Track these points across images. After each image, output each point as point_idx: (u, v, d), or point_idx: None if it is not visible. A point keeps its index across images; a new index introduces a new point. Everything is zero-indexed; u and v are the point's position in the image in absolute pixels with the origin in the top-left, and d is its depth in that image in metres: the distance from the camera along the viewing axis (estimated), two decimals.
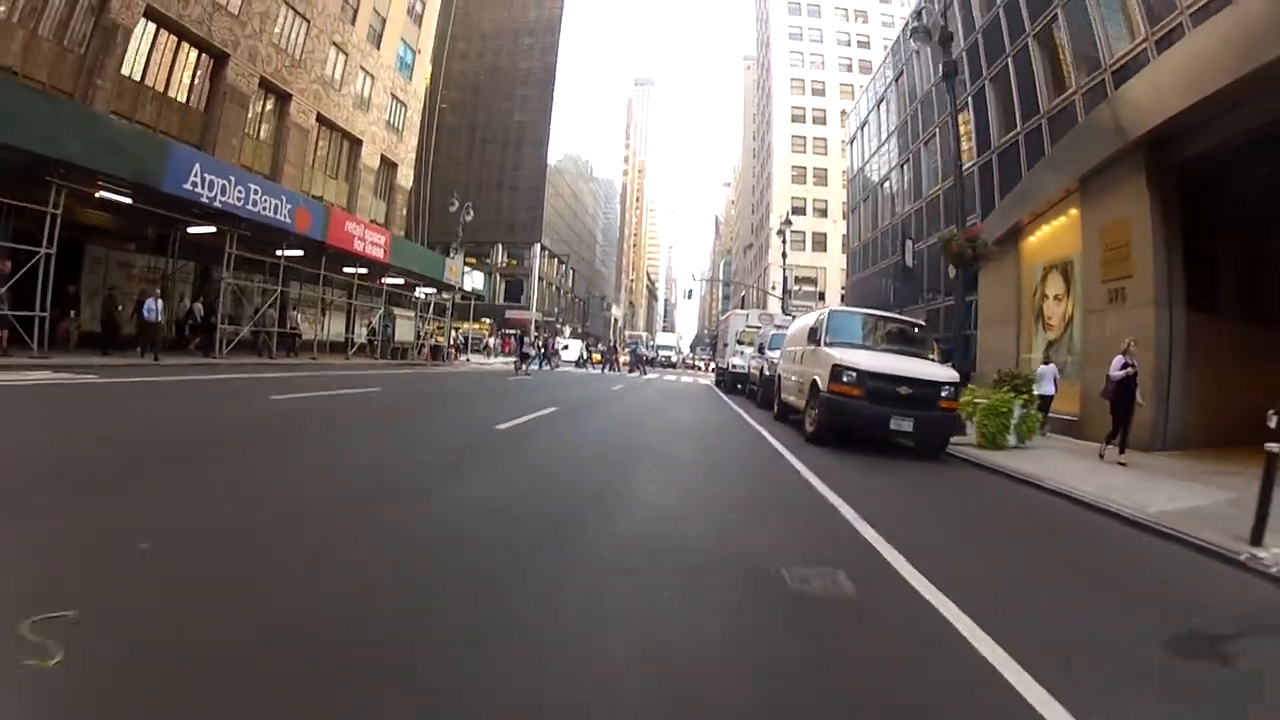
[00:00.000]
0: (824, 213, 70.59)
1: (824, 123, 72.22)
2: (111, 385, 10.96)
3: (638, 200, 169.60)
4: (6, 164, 13.85)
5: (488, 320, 62.11)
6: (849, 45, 74.22)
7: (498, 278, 67.79)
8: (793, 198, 69.94)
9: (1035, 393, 14.07)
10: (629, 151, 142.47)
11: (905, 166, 36.29)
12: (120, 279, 20.68)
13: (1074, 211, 16.71)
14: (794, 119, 73.21)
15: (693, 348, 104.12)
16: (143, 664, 2.26)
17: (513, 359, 34.76)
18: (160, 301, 17.90)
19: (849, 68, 72.72)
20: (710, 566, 4.01)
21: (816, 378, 10.36)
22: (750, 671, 2.71)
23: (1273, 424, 8.70)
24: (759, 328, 25.01)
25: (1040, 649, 3.04)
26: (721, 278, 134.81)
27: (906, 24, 37.89)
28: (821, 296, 63.56)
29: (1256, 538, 5.48)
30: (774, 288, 56.13)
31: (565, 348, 48.71)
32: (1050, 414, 15.66)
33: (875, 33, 71.76)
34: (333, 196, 30.99)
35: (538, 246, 68.86)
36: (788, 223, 39.97)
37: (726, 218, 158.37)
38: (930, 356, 11.17)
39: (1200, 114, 11.90)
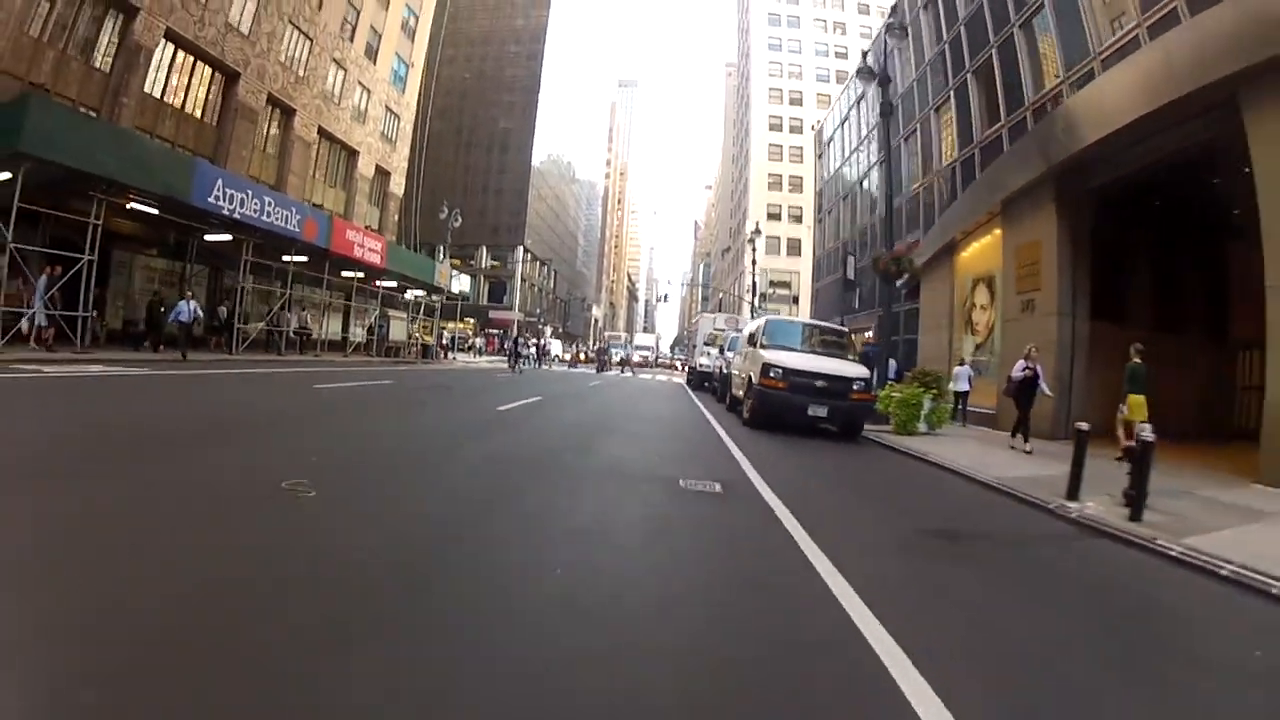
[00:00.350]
0: (799, 219, 73.22)
1: (801, 132, 74.93)
2: (171, 376, 13.22)
3: (619, 202, 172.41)
4: (51, 178, 15.97)
5: (471, 320, 64.27)
6: (827, 56, 77.06)
7: (482, 279, 69.88)
8: (768, 204, 72.73)
9: (952, 389, 16.59)
10: (611, 155, 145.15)
11: (865, 181, 38.84)
12: (142, 282, 22.88)
13: (997, 231, 19.27)
14: (771, 127, 76.00)
15: (672, 348, 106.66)
16: (341, 500, 4.64)
17: (497, 358, 37.06)
18: (194, 304, 20.06)
19: (826, 79, 75.49)
20: (641, 480, 6.64)
21: (752, 373, 12.83)
22: (655, 514, 5.16)
23: (1122, 414, 11.12)
24: (724, 330, 27.51)
25: (828, 530, 5.37)
26: (700, 280, 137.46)
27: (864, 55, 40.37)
28: (795, 300, 66.15)
29: (1071, 494, 7.66)
30: (748, 291, 58.69)
31: (545, 348, 51.03)
32: (969, 408, 18.29)
33: (853, 44, 74.14)
34: (331, 204, 33.20)
35: (521, 249, 71.18)
36: (757, 232, 42.69)
37: (706, 220, 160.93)
38: (850, 357, 13.63)
39: (1106, 148, 14.32)
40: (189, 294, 20.40)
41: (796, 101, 76.11)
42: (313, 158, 32.14)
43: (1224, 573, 4.95)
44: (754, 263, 43.59)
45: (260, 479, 4.89)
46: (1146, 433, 6.68)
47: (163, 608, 2.62)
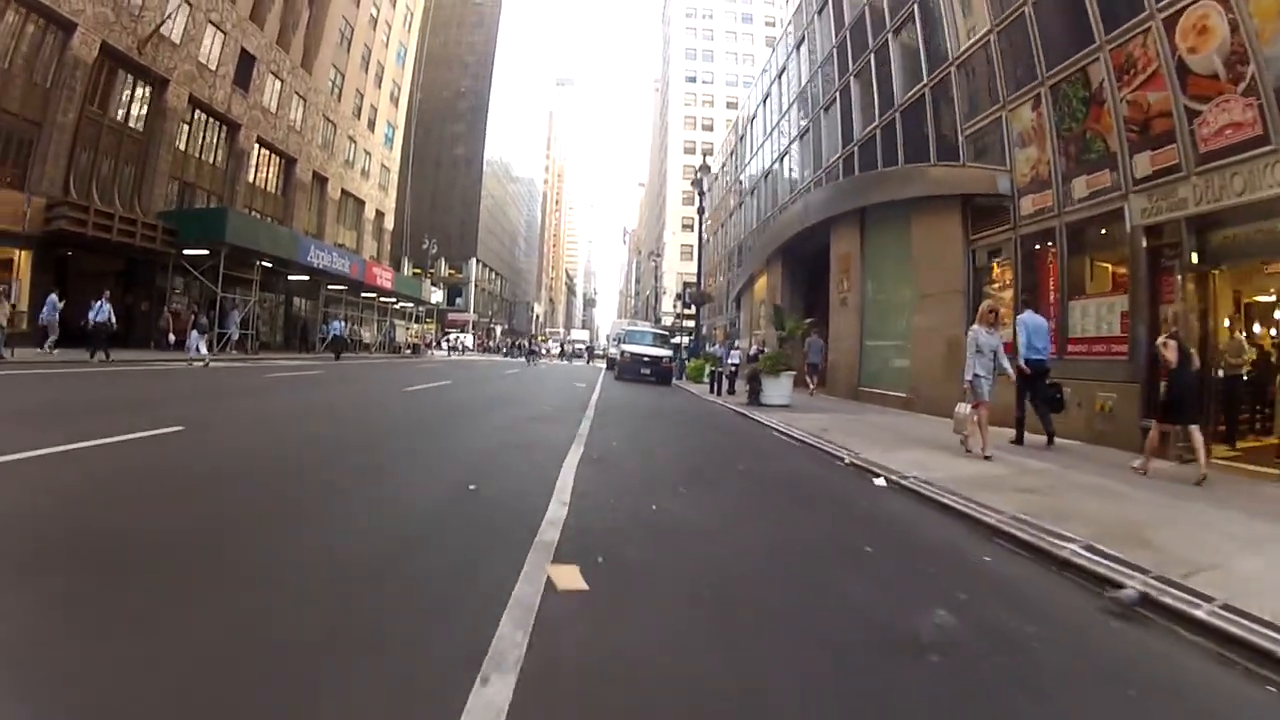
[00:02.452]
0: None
1: (712, 154, 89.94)
2: (338, 366, 27.75)
3: (557, 203, 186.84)
4: (230, 255, 29.85)
5: (430, 321, 77.88)
6: (736, 86, 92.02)
7: (441, 285, 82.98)
8: (683, 217, 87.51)
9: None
10: (549, 160, 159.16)
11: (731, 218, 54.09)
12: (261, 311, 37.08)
13: (764, 277, 34.69)
14: (686, 150, 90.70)
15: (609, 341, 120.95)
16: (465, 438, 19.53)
17: (480, 354, 51.58)
18: (343, 323, 34.36)
19: (735, 107, 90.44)
20: (570, 378, 21.42)
21: (618, 353, 27.95)
22: (564, 388, 20.06)
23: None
24: (631, 328, 42.65)
25: (610, 394, 20.21)
26: (634, 275, 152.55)
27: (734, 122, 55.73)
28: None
29: (728, 395, 22.79)
30: (664, 293, 74.08)
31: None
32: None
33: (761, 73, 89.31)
34: (348, 242, 47.40)
35: (474, 260, 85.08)
36: (658, 255, 57.89)
37: (639, 219, 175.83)
38: (672, 342, 28.77)
39: (792, 240, 29.63)
40: (340, 314, 34.85)
41: (709, 128, 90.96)
42: (337, 211, 46.31)
43: (787, 434, 19.94)
44: (656, 278, 58.82)
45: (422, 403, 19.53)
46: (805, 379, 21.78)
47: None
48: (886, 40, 22.22)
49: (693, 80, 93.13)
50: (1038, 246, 14.14)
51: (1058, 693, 2.96)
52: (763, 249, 33.13)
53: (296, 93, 40.35)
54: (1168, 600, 3.88)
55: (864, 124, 24.24)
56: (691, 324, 37.14)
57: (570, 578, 3.69)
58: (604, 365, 49.17)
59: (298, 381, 17.49)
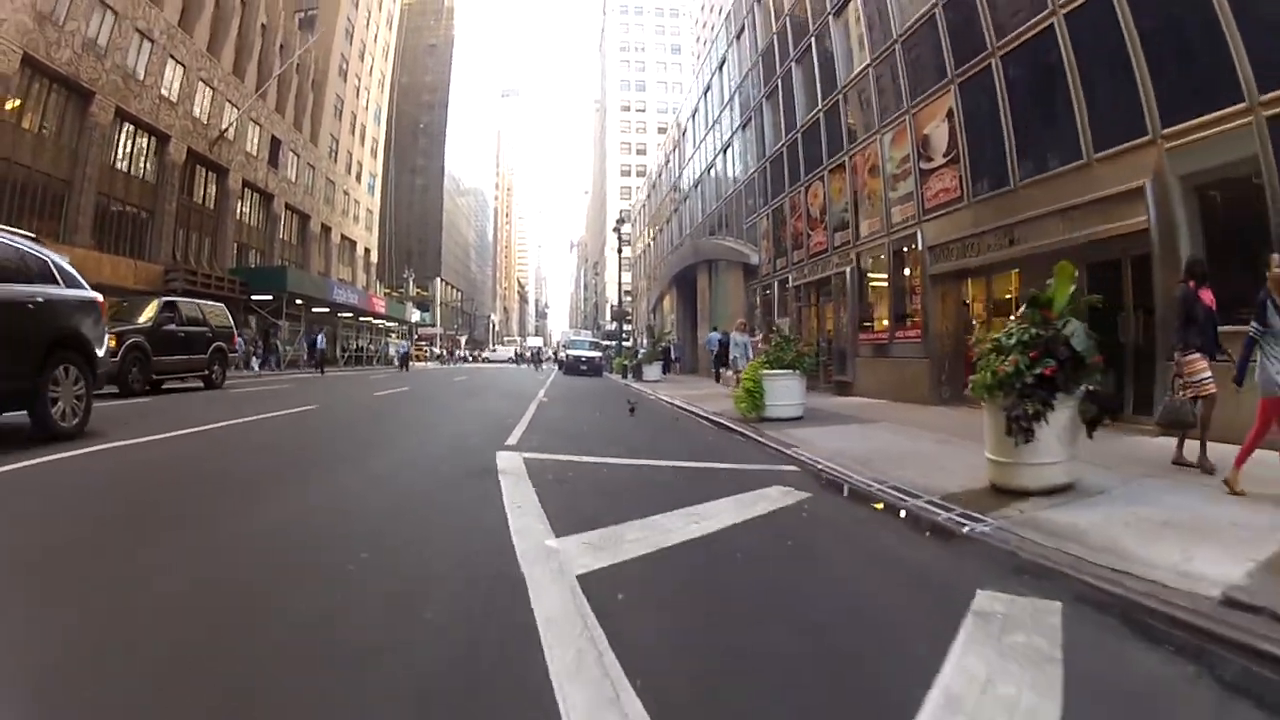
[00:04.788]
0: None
1: (645, 176, 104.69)
2: (360, 375, 41.70)
3: (507, 215, 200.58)
4: (280, 300, 43.53)
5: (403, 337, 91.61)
6: (666, 113, 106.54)
7: (411, 304, 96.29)
8: (624, 233, 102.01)
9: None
10: (499, 176, 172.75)
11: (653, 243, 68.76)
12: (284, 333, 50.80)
13: (668, 296, 49.22)
14: (623, 173, 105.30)
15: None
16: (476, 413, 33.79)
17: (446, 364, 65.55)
18: (323, 338, 48.34)
19: (665, 131, 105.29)
20: (505, 393, 35.74)
21: (564, 355, 42.33)
22: (516, 377, 34.35)
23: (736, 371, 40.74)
24: (574, 338, 57.00)
25: (556, 389, 34.37)
26: (583, 282, 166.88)
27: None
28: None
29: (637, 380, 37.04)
30: (606, 303, 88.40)
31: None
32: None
33: (686, 106, 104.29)
34: (346, 276, 60.98)
35: (439, 280, 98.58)
36: (599, 268, 72.26)
37: (586, 226, 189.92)
38: (599, 348, 43.18)
39: (685, 271, 44.23)
40: (392, 339, 48.74)
41: (642, 151, 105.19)
42: (338, 253, 59.98)
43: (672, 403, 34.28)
44: (598, 293, 73.07)
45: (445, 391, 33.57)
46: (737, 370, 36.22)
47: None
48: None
49: (627, 109, 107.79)
50: (767, 291, 28.79)
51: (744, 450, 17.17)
52: (665, 276, 47.66)
53: (308, 163, 53.94)
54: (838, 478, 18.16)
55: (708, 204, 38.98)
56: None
57: (543, 409, 17.92)
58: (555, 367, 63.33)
59: (373, 379, 31.40)
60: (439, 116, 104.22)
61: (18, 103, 26.84)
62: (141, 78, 33.70)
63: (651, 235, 62.91)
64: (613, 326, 56.09)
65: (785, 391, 12.37)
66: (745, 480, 7.19)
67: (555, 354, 64.62)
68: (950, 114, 15.82)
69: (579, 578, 3.67)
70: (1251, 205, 9.30)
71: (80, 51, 29.09)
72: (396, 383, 27.34)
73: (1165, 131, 10.54)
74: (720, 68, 37.33)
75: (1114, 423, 7.00)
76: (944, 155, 16.08)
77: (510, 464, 7.56)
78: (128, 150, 34.78)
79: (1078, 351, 5.75)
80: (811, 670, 2.79)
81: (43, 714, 2.22)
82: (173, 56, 36.44)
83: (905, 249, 18.11)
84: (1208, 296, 7.23)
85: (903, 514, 5.73)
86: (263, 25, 46.35)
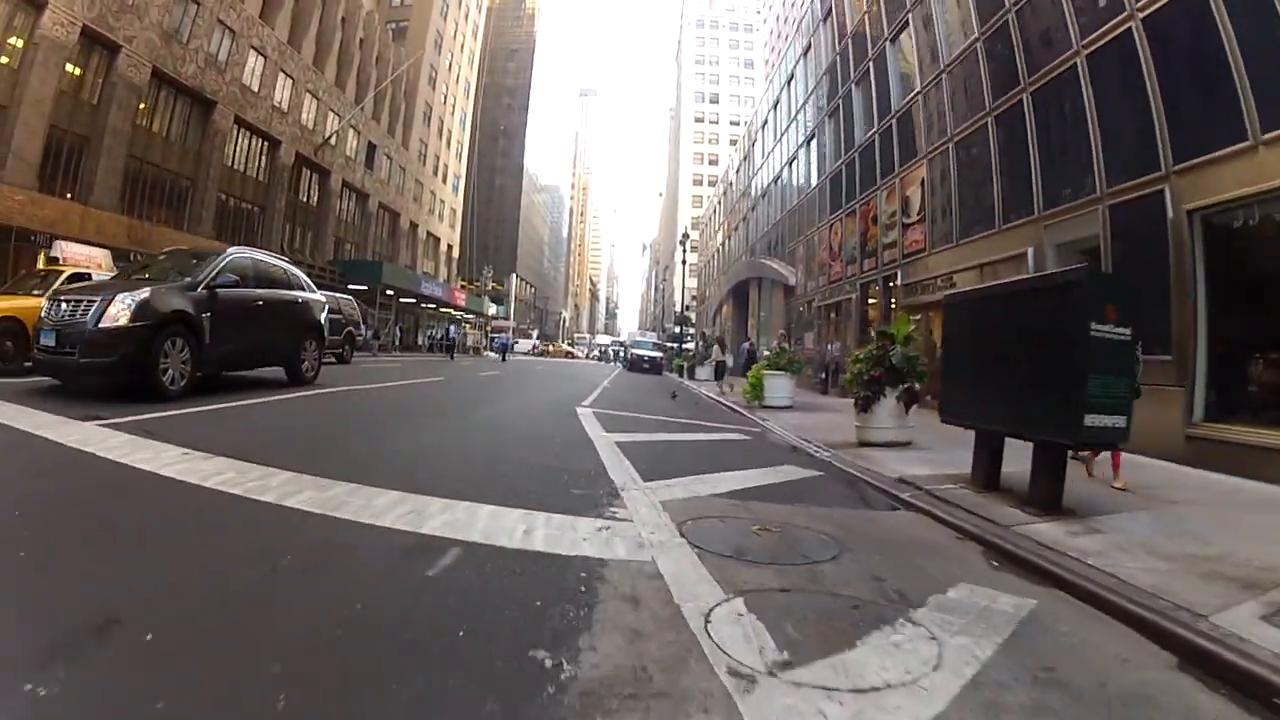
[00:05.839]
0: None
1: (715, 185, 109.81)
2: (454, 361, 47.64)
3: (582, 214, 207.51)
4: (374, 291, 49.68)
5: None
6: (738, 125, 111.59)
7: (487, 298, 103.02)
8: (692, 241, 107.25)
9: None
10: (575, 176, 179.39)
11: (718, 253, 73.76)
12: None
13: (727, 305, 54.19)
14: (694, 182, 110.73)
15: None
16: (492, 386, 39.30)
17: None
18: (463, 331, 54.62)
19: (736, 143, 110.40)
20: (579, 379, 41.09)
21: (630, 354, 47.67)
22: (582, 375, 39.77)
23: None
24: (639, 338, 62.30)
25: (621, 383, 39.68)
26: (654, 284, 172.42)
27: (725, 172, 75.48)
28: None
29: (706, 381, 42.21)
30: (673, 306, 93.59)
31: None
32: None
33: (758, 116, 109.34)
34: (430, 270, 67.31)
35: (514, 276, 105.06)
36: (668, 272, 77.40)
37: (659, 227, 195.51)
38: (665, 346, 48.43)
39: (740, 284, 49.25)
40: (465, 328, 55.07)
41: (714, 162, 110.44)
42: (423, 248, 66.39)
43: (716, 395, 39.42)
44: (664, 296, 78.21)
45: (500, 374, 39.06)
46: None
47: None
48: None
49: (700, 120, 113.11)
50: (801, 309, 33.66)
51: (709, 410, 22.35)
52: (724, 288, 52.73)
53: (399, 165, 60.37)
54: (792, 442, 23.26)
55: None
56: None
57: (607, 392, 23.21)
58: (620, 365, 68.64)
59: (483, 364, 37.03)
60: (519, 117, 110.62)
61: (144, 107, 31.86)
62: (256, 89, 39.94)
63: (725, 236, 67.89)
64: (676, 330, 61.40)
65: (779, 387, 17.44)
66: (725, 431, 12.51)
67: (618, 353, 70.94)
68: (922, 182, 20.90)
69: (616, 444, 8.95)
70: (1096, 266, 14.03)
71: (204, 66, 35.05)
72: (491, 367, 32.76)
73: (1045, 213, 15.42)
74: (789, 83, 42.71)
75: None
76: (917, 214, 21.19)
77: (584, 412, 13.17)
78: (244, 153, 40.77)
79: (896, 365, 10.75)
80: (705, 459, 7.95)
81: (435, 451, 7.62)
82: (283, 70, 42.58)
83: (890, 284, 23.08)
84: None
85: (795, 448, 10.80)
86: (360, 40, 52.71)
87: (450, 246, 74.16)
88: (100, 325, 8.61)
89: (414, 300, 56.11)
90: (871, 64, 26.59)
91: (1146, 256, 12.57)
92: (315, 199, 49.05)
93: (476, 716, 2.33)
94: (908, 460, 9.26)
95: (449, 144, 72.05)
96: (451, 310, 64.02)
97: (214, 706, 2.26)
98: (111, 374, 8.75)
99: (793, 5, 52.05)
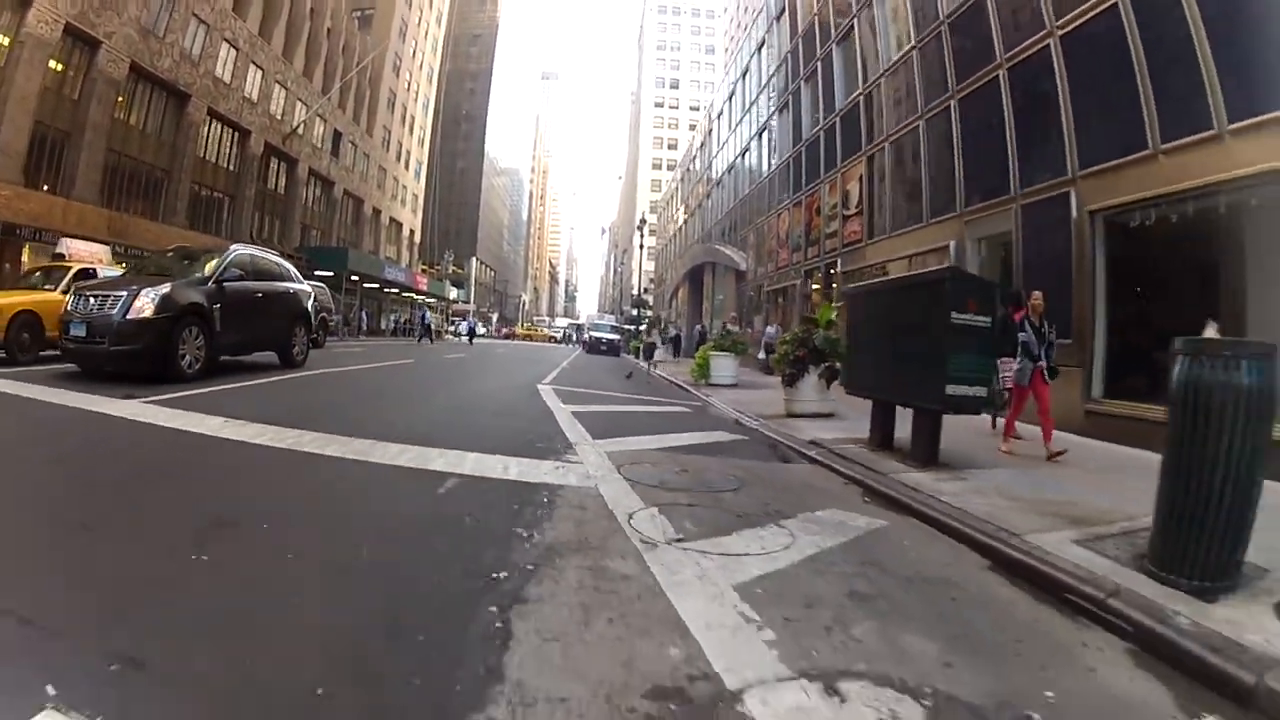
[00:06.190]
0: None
1: (675, 169, 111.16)
2: (412, 343, 48.82)
3: (541, 197, 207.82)
4: (340, 277, 50.66)
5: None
6: (698, 110, 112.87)
7: (447, 282, 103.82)
8: (650, 225, 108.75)
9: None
10: (535, 159, 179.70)
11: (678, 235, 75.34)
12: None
13: (683, 289, 55.89)
14: (654, 166, 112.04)
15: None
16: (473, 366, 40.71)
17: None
18: (431, 315, 55.70)
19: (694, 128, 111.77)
20: (539, 360, 42.63)
21: (586, 336, 49.16)
22: (544, 359, 41.25)
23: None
24: (597, 321, 63.74)
25: (576, 365, 41.16)
26: (614, 267, 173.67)
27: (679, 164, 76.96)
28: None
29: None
30: (633, 289, 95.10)
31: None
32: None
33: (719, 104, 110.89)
34: (392, 255, 68.12)
35: (475, 259, 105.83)
36: (626, 257, 78.77)
37: (618, 211, 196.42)
38: (622, 329, 49.97)
39: (695, 269, 50.94)
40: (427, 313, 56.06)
41: (673, 146, 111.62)
42: (386, 234, 67.18)
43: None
44: (621, 280, 79.66)
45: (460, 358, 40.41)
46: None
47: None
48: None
49: (661, 105, 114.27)
50: (751, 293, 35.36)
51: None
52: (679, 272, 54.32)
53: (364, 152, 61.02)
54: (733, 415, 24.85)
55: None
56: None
57: (565, 372, 24.70)
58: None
59: (448, 347, 38.33)
60: (481, 102, 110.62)
61: (121, 100, 32.34)
62: (229, 81, 40.51)
63: (683, 221, 69.30)
64: (635, 313, 63.09)
65: (724, 366, 19.06)
66: (670, 405, 14.13)
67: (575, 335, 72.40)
68: (861, 178, 22.57)
69: (573, 413, 10.54)
70: (1010, 258, 15.78)
71: (179, 59, 35.65)
72: (456, 350, 34.17)
73: (966, 210, 17.14)
74: (743, 77, 44.30)
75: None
76: (856, 207, 22.86)
77: (545, 389, 14.73)
78: (216, 143, 41.25)
79: (818, 348, 12.37)
80: (648, 425, 9.53)
81: (414, 410, 9.15)
82: (253, 62, 43.02)
83: (831, 271, 24.80)
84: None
85: (730, 418, 12.41)
86: (328, 30, 53.21)
87: (412, 231, 74.90)
88: (128, 317, 9.94)
89: (377, 285, 56.96)
90: (820, 63, 28.15)
91: (1053, 250, 14.19)
92: (283, 187, 49.44)
93: (482, 556, 3.89)
94: (824, 427, 10.84)
95: (412, 130, 72.66)
96: (414, 295, 64.89)
97: (322, 563, 3.79)
98: (138, 360, 10.04)
99: None
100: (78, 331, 10.22)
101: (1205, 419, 3.89)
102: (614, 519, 4.83)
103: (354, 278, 50.87)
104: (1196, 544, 3.94)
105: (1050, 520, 5.47)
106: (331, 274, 47.22)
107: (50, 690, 2.25)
